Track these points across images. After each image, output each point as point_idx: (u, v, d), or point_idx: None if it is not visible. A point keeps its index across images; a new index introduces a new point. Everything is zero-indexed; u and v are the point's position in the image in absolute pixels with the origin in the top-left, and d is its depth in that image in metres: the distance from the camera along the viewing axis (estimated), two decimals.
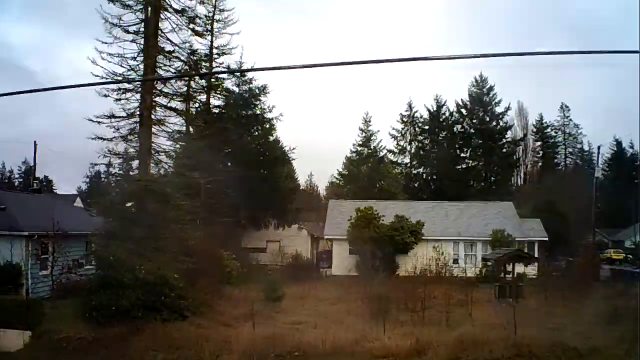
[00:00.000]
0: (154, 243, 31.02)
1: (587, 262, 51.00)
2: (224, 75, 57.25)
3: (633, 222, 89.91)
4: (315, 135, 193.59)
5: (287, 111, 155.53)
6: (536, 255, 58.63)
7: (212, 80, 54.28)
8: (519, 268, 48.04)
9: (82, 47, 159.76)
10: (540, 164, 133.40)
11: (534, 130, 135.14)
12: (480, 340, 25.52)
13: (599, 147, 78.76)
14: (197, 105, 52.85)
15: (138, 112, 35.75)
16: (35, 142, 70.22)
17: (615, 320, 30.07)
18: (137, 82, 35.73)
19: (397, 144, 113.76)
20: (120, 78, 36.03)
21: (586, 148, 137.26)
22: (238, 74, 58.63)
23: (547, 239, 61.90)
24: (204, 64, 51.31)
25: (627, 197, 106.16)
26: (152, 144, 36.48)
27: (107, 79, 35.96)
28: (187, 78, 45.24)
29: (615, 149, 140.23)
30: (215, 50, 54.19)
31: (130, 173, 37.77)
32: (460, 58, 11.71)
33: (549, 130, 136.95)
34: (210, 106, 55.57)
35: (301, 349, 24.53)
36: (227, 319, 30.77)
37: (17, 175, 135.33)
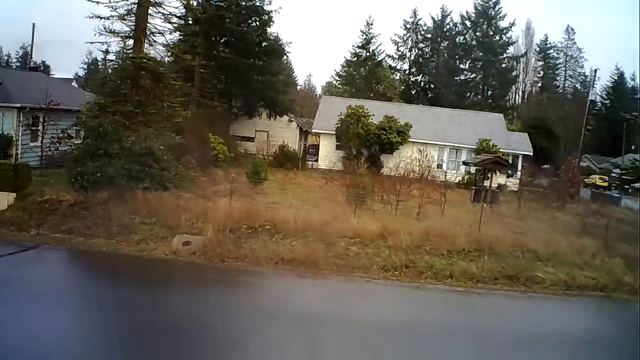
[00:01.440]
0: (142, 117, 31.92)
1: (568, 180, 51.89)
2: None
3: (623, 152, 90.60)
4: (317, 36, 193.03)
5: (290, 8, 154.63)
6: (519, 167, 59.79)
7: None
8: (501, 179, 49.18)
9: None
10: (539, 84, 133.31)
11: (537, 49, 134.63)
12: (445, 233, 26.55)
13: (595, 70, 79.55)
14: None
15: None
16: (34, 24, 70.60)
17: (582, 234, 31.18)
18: None
19: (398, 49, 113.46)
20: None
21: (587, 73, 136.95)
22: None
23: (531, 153, 62.66)
24: None
25: (621, 127, 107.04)
26: (148, 25, 36.94)
27: None
28: None
29: (617, 78, 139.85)
30: None
31: (125, 51, 38.30)
32: None
33: (552, 51, 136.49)
34: None
35: (272, 223, 25.62)
36: (207, 193, 31.57)
37: (14, 60, 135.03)
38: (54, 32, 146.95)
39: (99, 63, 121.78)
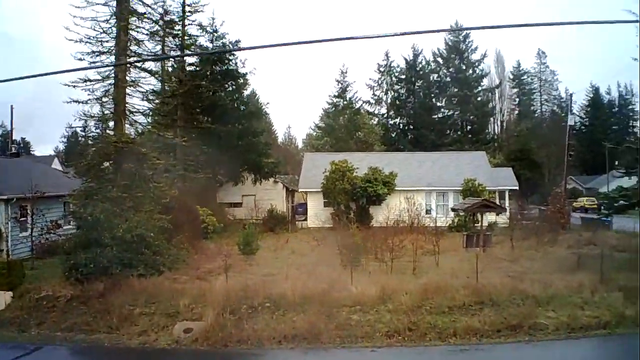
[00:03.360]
0: (130, 202, 31.90)
1: (557, 211, 52.04)
2: (197, 33, 57.76)
3: (607, 169, 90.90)
4: (293, 89, 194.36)
5: (263, 65, 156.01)
6: (507, 203, 60.03)
7: (186, 38, 54.72)
8: (491, 217, 49.28)
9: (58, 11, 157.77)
10: (516, 111, 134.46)
11: (511, 77, 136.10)
12: (443, 288, 26.57)
13: (571, 95, 79.70)
14: (170, 64, 53.22)
15: (113, 75, 36.39)
16: (12, 106, 71.15)
17: (578, 270, 31.28)
18: (112, 46, 36.34)
19: (374, 94, 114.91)
20: (93, 41, 36.70)
21: (563, 95, 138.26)
22: (209, 30, 59.23)
23: (517, 187, 63.06)
24: (176, 26, 51.68)
25: (602, 145, 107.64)
26: (127, 105, 37.19)
27: (81, 42, 36.77)
28: (159, 38, 45.61)
29: (592, 95, 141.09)
30: (187, 8, 54.58)
31: (107, 133, 38.45)
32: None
33: (525, 77, 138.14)
34: (185, 64, 56.01)
35: (272, 300, 25.53)
36: (202, 273, 31.72)
37: None
38: (31, 108, 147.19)
39: (79, 136, 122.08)
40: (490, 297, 25.85)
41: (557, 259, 36.10)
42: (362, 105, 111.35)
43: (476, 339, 22.91)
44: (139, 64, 39.24)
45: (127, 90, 37.28)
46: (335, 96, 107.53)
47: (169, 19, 47.77)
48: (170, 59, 52.11)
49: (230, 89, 62.66)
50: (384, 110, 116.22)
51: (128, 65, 37.24)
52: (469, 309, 25.02)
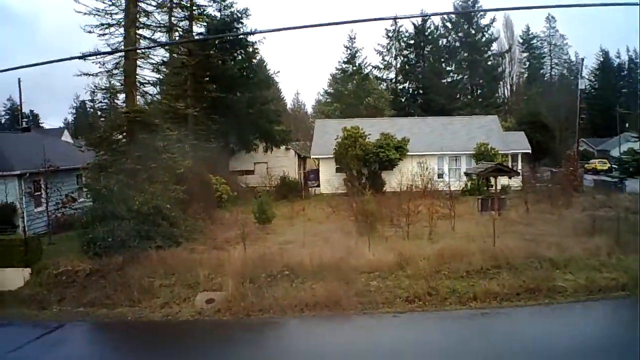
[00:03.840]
0: (144, 173, 31.91)
1: (570, 174, 51.88)
2: (206, 2, 57.49)
3: (619, 131, 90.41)
4: (302, 53, 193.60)
5: (272, 32, 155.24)
6: (519, 167, 59.83)
7: (194, 8, 54.39)
8: (504, 180, 49.16)
9: None
10: (526, 75, 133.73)
11: (520, 41, 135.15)
12: (460, 253, 26.62)
13: (582, 59, 78.94)
14: (179, 34, 52.84)
15: (123, 46, 36.24)
16: (19, 79, 70.96)
17: (593, 233, 31.22)
18: (121, 18, 36.16)
19: (383, 59, 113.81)
20: (102, 14, 36.52)
21: (573, 58, 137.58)
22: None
23: (530, 151, 62.68)
24: None
25: (613, 106, 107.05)
26: (137, 77, 37.08)
27: (90, 14, 36.58)
28: (166, 9, 45.40)
29: (602, 59, 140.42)
30: None
31: (118, 106, 38.37)
32: None
33: (535, 41, 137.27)
34: (193, 34, 55.65)
35: (290, 268, 25.58)
36: (219, 242, 31.75)
37: (2, 113, 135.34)
38: (38, 80, 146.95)
39: (88, 107, 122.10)
40: (508, 260, 25.95)
41: (572, 222, 35.92)
42: (371, 70, 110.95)
43: (496, 302, 23.00)
44: (148, 35, 39.12)
45: (138, 62, 37.16)
46: (344, 62, 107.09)
47: None
48: (178, 29, 51.78)
49: (240, 57, 62.34)
50: (392, 75, 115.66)
51: (137, 36, 37.12)
52: (487, 273, 25.13)
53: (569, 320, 21.50)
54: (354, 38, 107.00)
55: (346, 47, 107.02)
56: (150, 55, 38.72)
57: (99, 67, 37.07)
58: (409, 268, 25.41)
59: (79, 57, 29.70)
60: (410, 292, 23.45)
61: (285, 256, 27.00)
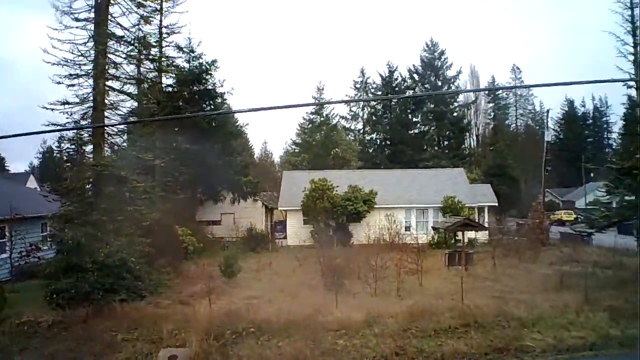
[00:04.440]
0: (110, 225, 31.57)
1: (536, 227, 52.25)
2: (175, 54, 57.48)
3: (584, 182, 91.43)
4: (270, 102, 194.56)
5: (241, 81, 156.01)
6: (486, 219, 60.39)
7: (163, 59, 54.46)
8: (471, 233, 49.38)
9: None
10: (492, 126, 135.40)
11: (486, 92, 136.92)
12: (429, 311, 26.56)
13: (547, 111, 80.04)
14: (148, 85, 52.71)
15: (91, 98, 36.06)
16: None
17: (561, 289, 31.47)
18: (90, 69, 36.04)
19: (350, 110, 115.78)
20: (71, 64, 36.37)
21: (538, 108, 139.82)
22: (187, 50, 58.98)
23: (496, 204, 63.44)
24: (153, 49, 51.44)
25: (578, 156, 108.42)
26: (106, 128, 36.84)
27: (59, 64, 36.40)
28: (137, 61, 45.32)
29: (567, 108, 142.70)
30: (164, 30, 54.37)
31: (86, 156, 38.10)
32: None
33: (500, 92, 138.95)
34: (162, 85, 55.63)
35: (256, 325, 25.30)
36: (184, 297, 31.52)
37: None
38: (5, 124, 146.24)
39: (55, 152, 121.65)
40: (476, 319, 25.84)
41: (539, 277, 36.23)
42: (339, 121, 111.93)
43: None
44: (117, 87, 38.96)
45: (106, 113, 36.92)
46: (311, 113, 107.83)
47: (146, 42, 47.44)
48: (147, 81, 51.68)
49: (209, 109, 62.36)
50: (360, 126, 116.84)
51: (107, 87, 36.94)
52: (455, 332, 24.95)
53: None
54: (322, 89, 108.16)
55: (314, 97, 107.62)
56: (119, 107, 38.48)
57: (67, 118, 36.85)
58: (376, 326, 25.21)
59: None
60: (377, 352, 23.20)
61: (251, 312, 26.74)
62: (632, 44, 35.60)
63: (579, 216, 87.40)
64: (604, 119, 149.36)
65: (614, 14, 35.98)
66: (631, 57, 35.57)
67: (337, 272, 33.27)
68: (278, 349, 23.33)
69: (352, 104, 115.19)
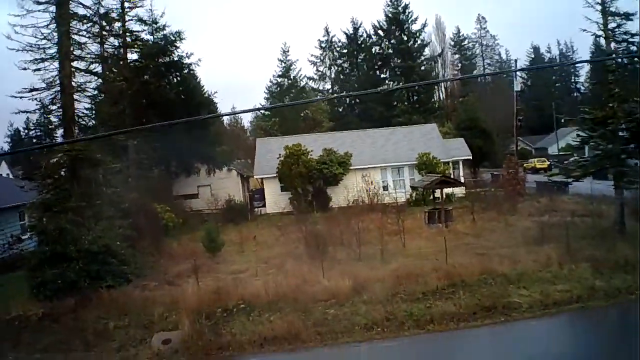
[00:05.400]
0: (90, 211, 31.40)
1: (511, 178, 52.50)
2: (139, 27, 56.80)
3: (555, 128, 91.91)
4: (237, 69, 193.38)
5: (206, 50, 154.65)
6: (461, 173, 60.79)
7: (127, 35, 53.92)
8: (448, 189, 49.62)
9: None
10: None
11: (452, 43, 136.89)
12: (415, 274, 26.78)
13: (515, 60, 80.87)
14: (113, 62, 52.04)
15: (58, 81, 35.71)
16: None
17: (541, 241, 31.76)
18: (55, 52, 35.66)
19: (317, 70, 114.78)
20: (35, 49, 35.99)
21: (504, 57, 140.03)
22: (150, 22, 58.25)
23: (471, 157, 63.74)
24: (116, 24, 51.00)
25: (548, 103, 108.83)
26: (75, 111, 36.54)
27: (24, 50, 36.08)
28: (100, 39, 44.92)
29: (533, 55, 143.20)
30: (126, 4, 53.65)
31: (57, 140, 37.82)
32: None
33: (466, 42, 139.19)
34: (128, 61, 55.03)
35: (246, 300, 25.32)
36: (170, 277, 31.34)
37: None
38: None
39: (23, 136, 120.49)
40: (462, 278, 26.08)
41: (520, 230, 36.60)
42: (306, 82, 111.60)
43: (454, 324, 22.97)
44: (83, 67, 38.59)
45: (75, 96, 36.60)
46: (279, 75, 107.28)
47: (108, 18, 46.91)
48: (112, 58, 51.11)
49: (176, 80, 61.93)
50: (328, 86, 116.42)
51: (73, 69, 36.57)
52: (443, 293, 25.15)
53: (526, 338, 21.62)
54: (288, 51, 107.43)
55: (280, 60, 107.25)
56: (87, 88, 38.17)
57: (36, 104, 36.60)
58: (365, 293, 25.36)
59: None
60: (368, 319, 23.33)
61: (239, 288, 26.78)
62: None
63: (552, 162, 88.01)
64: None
65: None
66: (599, 7, 35.56)
67: (320, 239, 33.31)
68: (270, 323, 23.39)
69: (318, 64, 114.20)
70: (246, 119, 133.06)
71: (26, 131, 71.13)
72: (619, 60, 37.11)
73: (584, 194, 48.04)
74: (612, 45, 36.65)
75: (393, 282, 26.14)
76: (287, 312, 23.91)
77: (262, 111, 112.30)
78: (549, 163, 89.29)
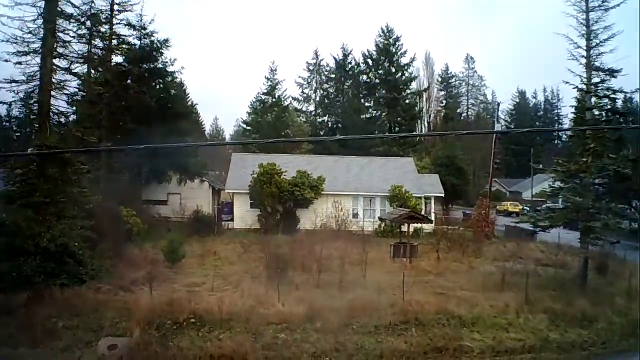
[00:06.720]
0: (54, 208, 31.17)
1: (481, 219, 52.68)
2: (126, 32, 56.46)
3: (532, 173, 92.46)
4: (224, 82, 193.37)
5: (195, 59, 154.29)
6: (432, 209, 60.93)
7: (113, 38, 53.67)
8: (417, 224, 49.62)
9: None
10: (443, 114, 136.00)
11: (439, 80, 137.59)
12: (371, 306, 26.74)
13: (498, 104, 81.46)
14: (96, 64, 51.62)
15: (38, 76, 35.43)
16: None
17: (502, 287, 31.80)
18: (38, 47, 35.38)
19: (302, 91, 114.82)
20: (19, 41, 35.68)
21: (489, 98, 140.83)
22: (138, 28, 57.96)
23: (443, 195, 63.96)
24: (103, 27, 50.70)
25: (527, 147, 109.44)
26: (52, 107, 36.22)
27: (8, 41, 35.75)
28: (86, 40, 44.78)
29: (518, 100, 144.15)
30: (116, 7, 53.34)
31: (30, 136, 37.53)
32: None
33: (453, 80, 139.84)
34: (111, 64, 54.64)
35: (197, 315, 25.16)
36: (126, 282, 31.01)
37: None
38: None
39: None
40: (417, 316, 26.08)
41: (482, 273, 36.66)
42: (290, 102, 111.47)
43: None
44: (65, 65, 38.30)
45: (53, 93, 36.30)
46: (263, 93, 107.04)
47: (96, 19, 46.58)
48: (95, 59, 50.71)
49: (158, 87, 61.56)
50: (312, 108, 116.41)
51: (54, 66, 36.30)
52: (395, 329, 25.21)
53: None
54: (275, 70, 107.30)
55: (267, 78, 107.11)
56: (66, 87, 37.82)
57: (13, 97, 36.26)
58: (317, 320, 25.28)
59: None
60: (317, 348, 23.32)
61: (193, 301, 26.59)
62: (584, 47, 35.76)
63: (525, 207, 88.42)
64: (555, 111, 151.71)
65: (568, 16, 35.97)
66: (583, 60, 35.78)
67: (282, 261, 33.24)
68: (219, 341, 23.33)
69: (304, 86, 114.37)
70: (227, 132, 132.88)
71: (7, 121, 70.26)
72: (597, 115, 37.38)
73: (551, 242, 48.40)
74: (593, 100, 36.70)
75: (348, 312, 26.06)
76: (237, 331, 23.85)
77: (243, 126, 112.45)
78: (521, 207, 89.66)
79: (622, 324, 27.22)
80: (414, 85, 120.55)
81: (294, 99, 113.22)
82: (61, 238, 29.06)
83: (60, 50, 36.03)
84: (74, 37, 37.68)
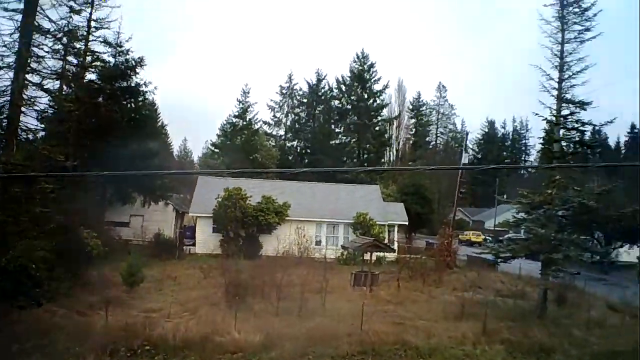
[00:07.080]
0: (15, 227, 31.00)
1: (443, 249, 53.16)
2: (102, 49, 56.35)
3: (495, 204, 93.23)
4: (194, 101, 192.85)
5: (167, 79, 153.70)
6: (395, 236, 61.27)
7: (88, 54, 53.61)
8: (379, 252, 49.94)
9: None
10: (412, 142, 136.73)
11: (410, 107, 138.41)
12: (328, 335, 26.81)
13: (467, 134, 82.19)
14: (69, 80, 51.43)
15: (9, 91, 35.29)
16: None
17: (461, 317, 32.08)
18: (12, 61, 35.28)
19: (274, 115, 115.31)
20: None
21: (459, 127, 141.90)
22: (114, 45, 57.91)
23: (407, 223, 64.40)
24: (79, 43, 50.63)
25: (494, 178, 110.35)
26: (20, 124, 36.11)
27: None
28: (61, 57, 44.80)
29: (487, 129, 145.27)
30: (93, 24, 53.32)
31: None
32: None
33: (424, 108, 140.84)
34: (84, 81, 54.45)
35: (152, 342, 25.13)
36: (82, 306, 30.98)
37: None
38: None
39: None
40: (374, 346, 26.19)
41: (442, 303, 36.80)
42: (261, 125, 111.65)
43: None
44: (37, 81, 38.22)
45: (23, 109, 36.19)
46: (235, 116, 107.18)
47: (73, 36, 46.47)
48: (68, 76, 50.50)
49: (129, 106, 61.42)
50: (282, 132, 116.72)
51: (26, 82, 36.20)
52: (352, 359, 25.23)
53: None
54: (248, 93, 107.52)
55: (239, 100, 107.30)
56: (37, 103, 37.72)
57: None
58: (274, 350, 25.28)
59: None
60: None
61: (148, 328, 26.53)
62: (557, 79, 36.32)
63: (487, 237, 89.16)
64: (523, 141, 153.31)
65: (543, 48, 36.55)
66: (555, 92, 36.38)
67: (241, 288, 33.36)
68: None
69: (276, 110, 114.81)
70: (196, 154, 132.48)
71: None
72: (565, 147, 37.87)
73: (512, 273, 49.03)
74: (562, 132, 37.24)
75: (305, 341, 26.09)
76: None
77: (212, 148, 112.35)
78: (483, 237, 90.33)
79: (578, 356, 27.52)
80: (385, 112, 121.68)
81: (265, 122, 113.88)
82: (21, 259, 28.96)
83: (33, 65, 35.99)
84: (48, 52, 37.69)
